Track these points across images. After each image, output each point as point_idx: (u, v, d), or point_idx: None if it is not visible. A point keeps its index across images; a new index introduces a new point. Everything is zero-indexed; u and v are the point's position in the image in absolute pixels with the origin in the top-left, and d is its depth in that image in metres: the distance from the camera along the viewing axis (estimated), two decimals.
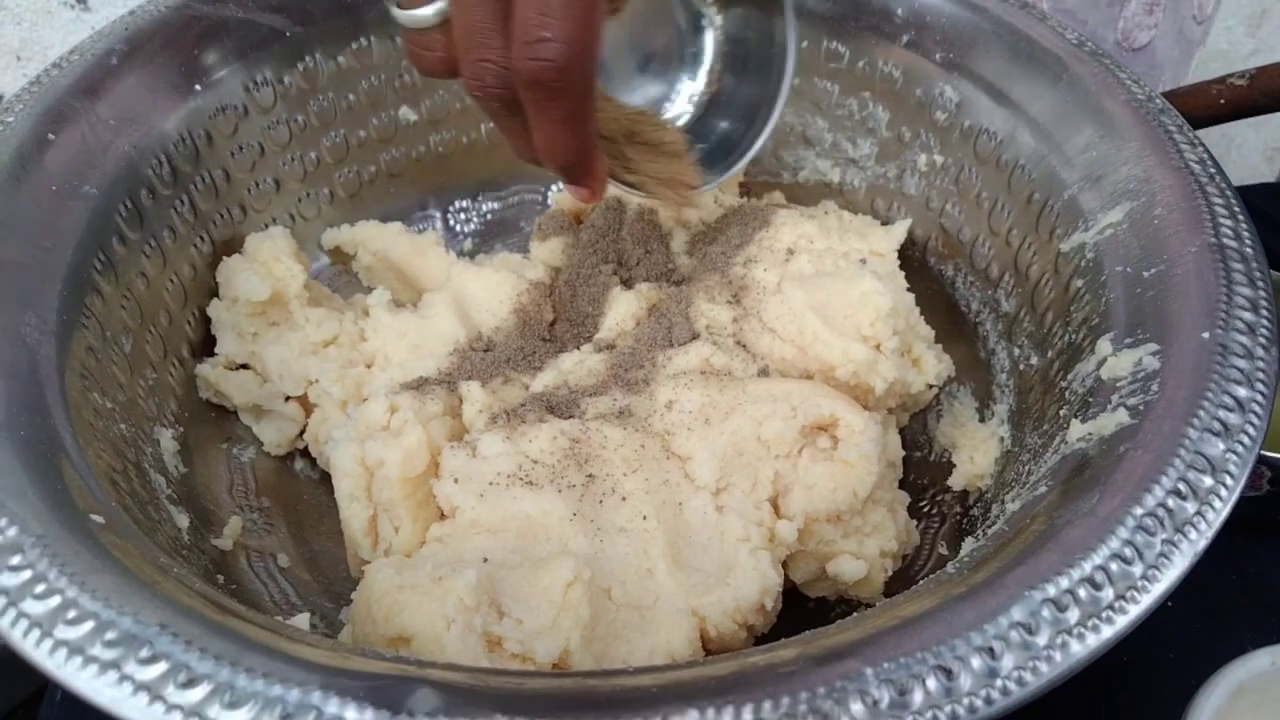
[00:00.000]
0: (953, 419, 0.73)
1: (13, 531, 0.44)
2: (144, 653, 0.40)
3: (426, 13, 0.50)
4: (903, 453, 0.70)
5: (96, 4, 1.31)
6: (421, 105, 0.84)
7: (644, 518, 0.59)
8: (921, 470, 0.72)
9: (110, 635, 0.40)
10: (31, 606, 0.41)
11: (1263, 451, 0.69)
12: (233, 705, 0.38)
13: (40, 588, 0.42)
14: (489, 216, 0.89)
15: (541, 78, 0.47)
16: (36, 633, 0.41)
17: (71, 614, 0.41)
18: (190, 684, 0.39)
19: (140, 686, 0.39)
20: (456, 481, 0.60)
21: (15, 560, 0.43)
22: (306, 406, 0.72)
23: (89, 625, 0.40)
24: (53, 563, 0.43)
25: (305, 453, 0.73)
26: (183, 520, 0.61)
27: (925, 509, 0.69)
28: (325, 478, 0.72)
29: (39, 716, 0.66)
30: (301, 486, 0.72)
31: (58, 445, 0.51)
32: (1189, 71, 1.06)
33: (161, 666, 0.39)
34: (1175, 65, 1.02)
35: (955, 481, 0.68)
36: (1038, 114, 0.70)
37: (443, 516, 0.61)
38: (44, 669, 0.40)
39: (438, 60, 0.51)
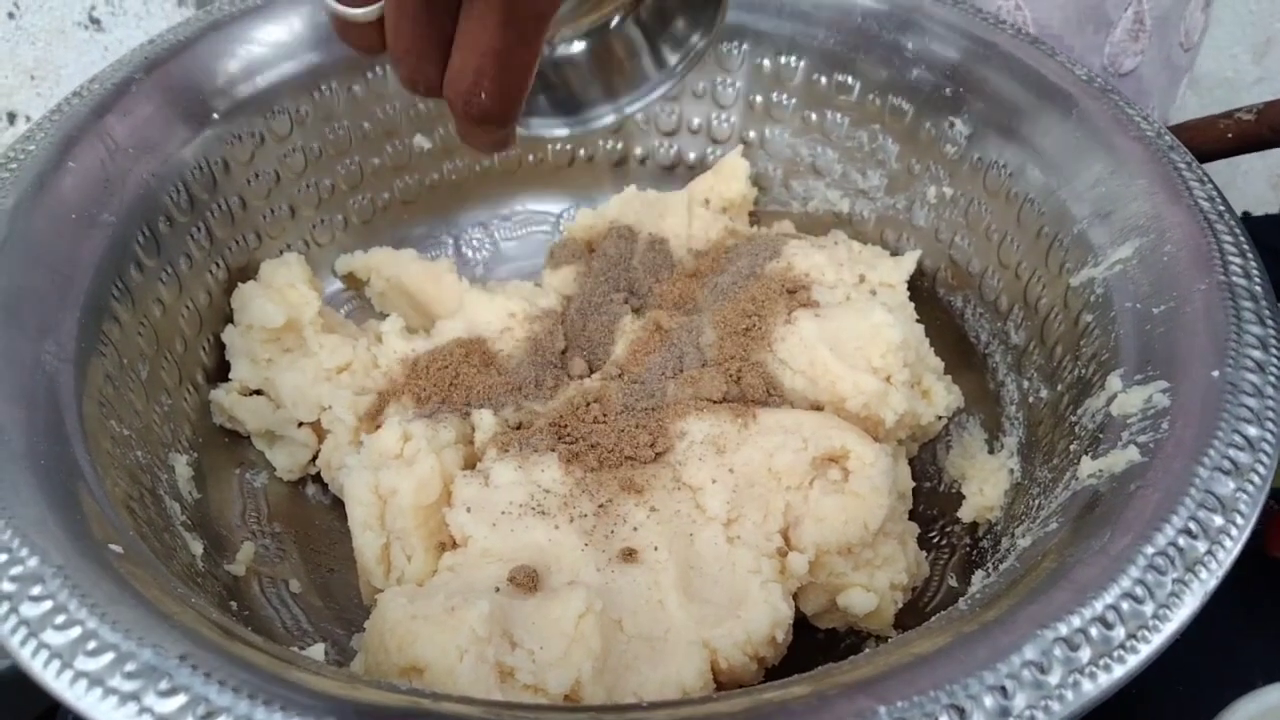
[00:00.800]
0: (962, 450, 0.73)
1: (34, 562, 0.44)
2: (164, 685, 0.40)
3: (360, 12, 0.49)
4: (912, 484, 0.70)
5: (110, 24, 1.32)
6: (435, 134, 0.85)
7: (655, 548, 0.59)
8: (931, 501, 0.72)
9: (130, 667, 0.40)
10: (52, 637, 0.42)
11: (1273, 487, 0.69)
12: None
13: (61, 618, 0.42)
14: (501, 244, 0.90)
15: (472, 115, 0.48)
16: (57, 664, 0.41)
17: (92, 645, 0.41)
18: (209, 716, 0.39)
19: (160, 718, 0.39)
20: (469, 510, 0.61)
21: (36, 590, 0.43)
22: (319, 432, 0.72)
23: (109, 657, 0.41)
24: (73, 593, 0.43)
25: (317, 478, 0.74)
26: (197, 547, 0.61)
27: (934, 540, 0.69)
28: (337, 503, 0.72)
29: None
30: (313, 512, 0.73)
31: (76, 474, 0.51)
32: (1176, 98, 1.07)
33: (181, 699, 0.40)
34: (1162, 92, 1.03)
35: (965, 513, 0.68)
36: (1047, 149, 0.71)
37: (455, 545, 0.62)
38: (64, 700, 0.40)
39: (365, 46, 0.51)
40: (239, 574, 0.64)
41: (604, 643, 0.54)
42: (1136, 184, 0.64)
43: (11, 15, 1.27)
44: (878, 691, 0.41)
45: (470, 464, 0.66)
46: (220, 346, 0.73)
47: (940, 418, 0.73)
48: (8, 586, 0.43)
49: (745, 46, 0.84)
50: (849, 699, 0.41)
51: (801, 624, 0.64)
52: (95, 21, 1.30)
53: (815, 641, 0.65)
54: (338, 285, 0.84)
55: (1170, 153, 0.65)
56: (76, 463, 0.52)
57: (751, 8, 0.83)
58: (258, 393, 0.73)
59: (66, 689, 0.40)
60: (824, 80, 0.82)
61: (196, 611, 0.46)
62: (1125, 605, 0.44)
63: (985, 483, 0.68)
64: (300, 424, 0.72)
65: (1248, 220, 1.09)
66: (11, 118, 1.35)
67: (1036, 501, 0.60)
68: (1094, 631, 0.43)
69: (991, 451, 0.71)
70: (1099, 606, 0.43)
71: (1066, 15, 0.93)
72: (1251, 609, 0.73)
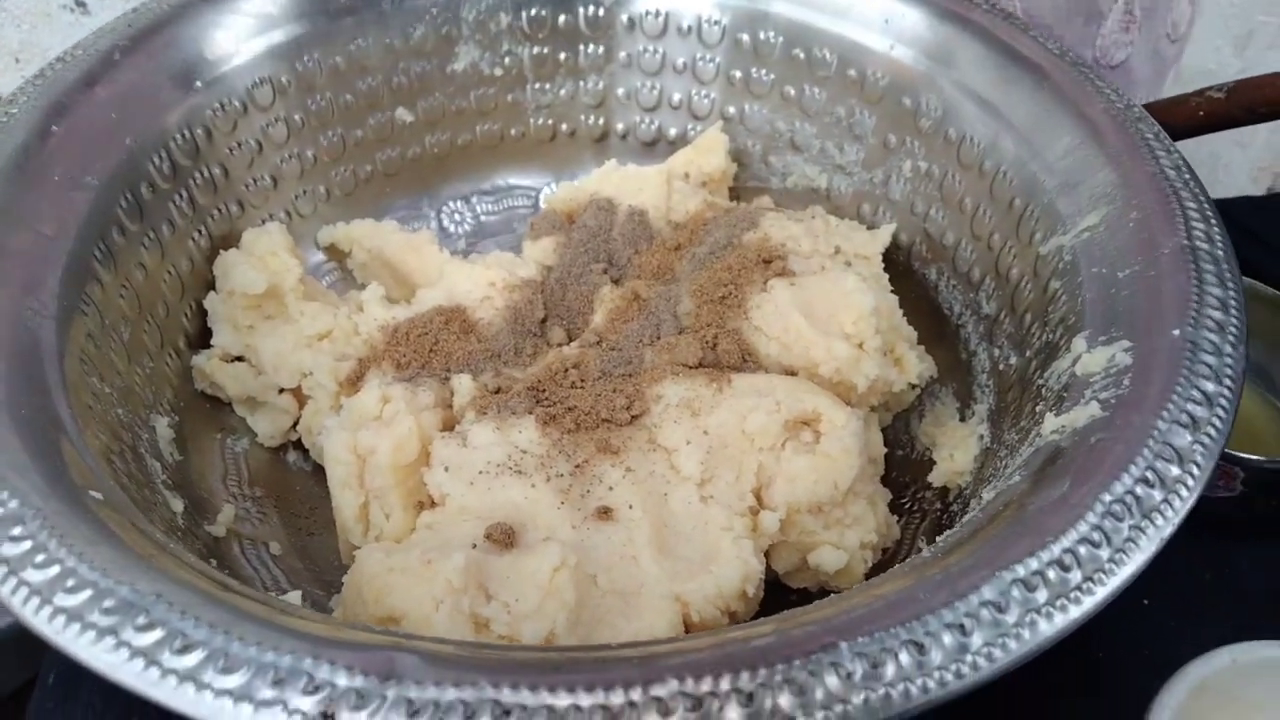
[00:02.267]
0: (934, 418, 0.74)
1: (14, 504, 0.45)
2: (140, 620, 0.41)
3: None
4: (884, 450, 0.71)
5: (96, 7, 1.32)
6: (418, 106, 0.86)
7: (630, 507, 0.60)
8: (903, 468, 0.74)
9: (108, 603, 0.41)
10: (32, 575, 0.42)
11: (1236, 452, 0.71)
12: (226, 670, 0.39)
13: (40, 557, 0.43)
14: (482, 217, 0.91)
15: None
16: (36, 600, 0.42)
17: (70, 582, 0.42)
18: (185, 650, 0.40)
19: (137, 652, 0.40)
20: (447, 470, 0.62)
21: (16, 531, 0.44)
22: (300, 399, 0.73)
23: (87, 593, 0.42)
24: (52, 534, 0.44)
25: (298, 444, 0.74)
26: (177, 505, 0.62)
27: (906, 505, 0.71)
28: (317, 469, 0.73)
29: (31, 699, 0.67)
30: (294, 478, 0.73)
31: (57, 424, 0.52)
32: (1163, 89, 1.08)
33: (158, 633, 0.40)
34: (1150, 83, 1.05)
35: (936, 479, 0.70)
36: (1019, 121, 0.72)
37: (433, 504, 0.62)
38: (43, 635, 0.41)
39: None
40: (219, 535, 0.65)
41: (578, 596, 0.55)
42: (1104, 153, 0.66)
43: None
44: (840, 628, 0.42)
45: (449, 427, 0.67)
46: (202, 313, 0.74)
47: (913, 386, 0.74)
48: None
49: (725, 21, 0.85)
50: (812, 636, 0.42)
51: (774, 585, 0.65)
52: (81, 4, 1.30)
53: (788, 603, 0.65)
54: (320, 256, 0.85)
55: (1138, 123, 0.66)
56: (57, 414, 0.53)
57: None
58: (239, 359, 0.74)
59: (45, 624, 0.41)
60: (802, 55, 0.83)
61: (173, 555, 0.46)
62: (1082, 550, 0.45)
63: (956, 449, 0.70)
64: (281, 390, 0.73)
65: (1223, 203, 1.11)
66: None
67: (1004, 463, 0.61)
68: (1051, 574, 0.44)
69: (963, 419, 0.72)
70: (1056, 550, 0.45)
71: (1057, 5, 0.94)
72: (1218, 574, 0.75)
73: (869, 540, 0.63)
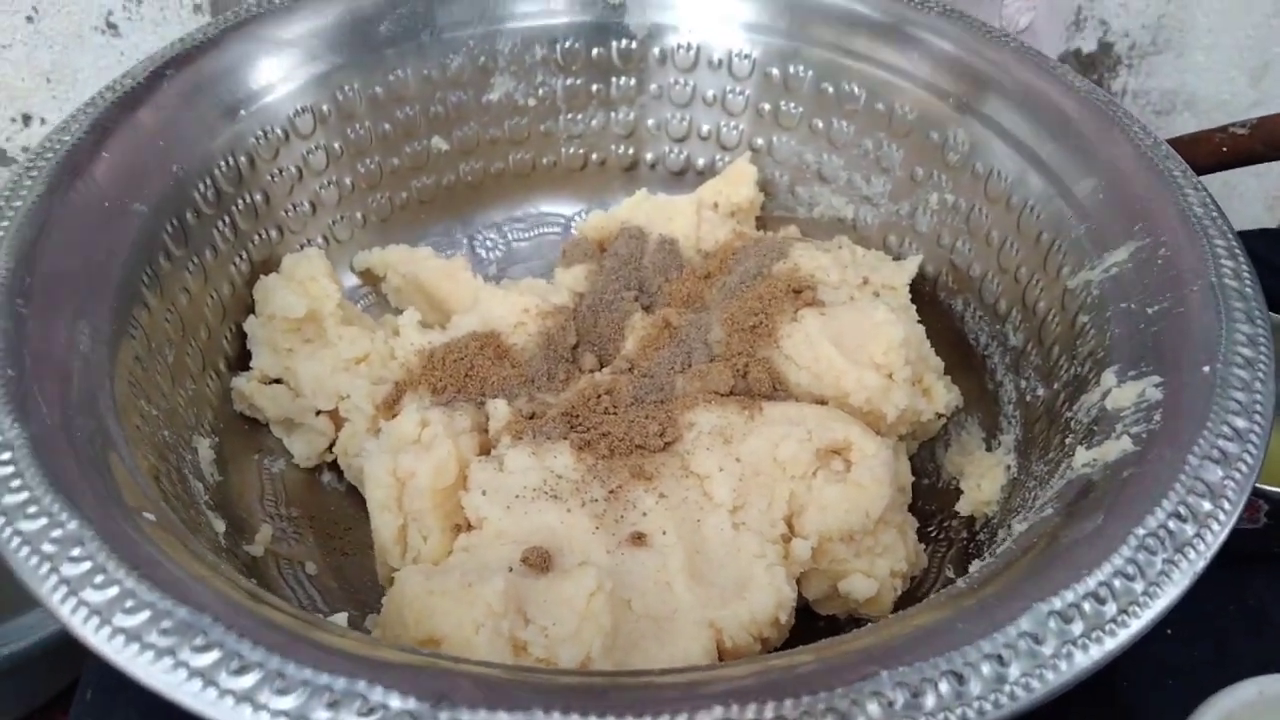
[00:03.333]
0: (960, 448, 0.75)
1: (73, 525, 0.46)
2: (198, 641, 0.42)
3: None
4: (912, 479, 0.72)
5: (127, 29, 1.34)
6: (453, 136, 0.88)
7: (664, 532, 0.61)
8: (930, 497, 0.74)
9: (166, 624, 0.42)
10: (92, 595, 0.43)
11: (1260, 485, 0.71)
12: (282, 691, 0.40)
13: (100, 578, 0.44)
14: (514, 244, 0.92)
15: None
16: (96, 620, 0.43)
17: (130, 603, 0.43)
18: (242, 671, 0.41)
19: (195, 672, 0.41)
20: (484, 494, 0.63)
21: (76, 552, 0.45)
22: (337, 421, 0.74)
23: (146, 614, 0.43)
24: (110, 555, 0.45)
25: (333, 466, 0.76)
26: (219, 525, 0.63)
27: (933, 534, 0.71)
28: (352, 490, 0.74)
29: (70, 713, 0.68)
30: (329, 498, 0.75)
31: (110, 446, 0.53)
32: (1062, 41, 1.11)
33: (215, 654, 0.41)
34: (1053, 38, 1.09)
35: (963, 508, 0.71)
36: (1047, 157, 0.73)
37: (470, 527, 0.64)
38: (103, 654, 0.42)
39: None
40: (258, 554, 0.66)
41: (614, 620, 0.56)
42: (1133, 191, 0.67)
43: (30, 19, 1.30)
44: (881, 658, 0.43)
45: (485, 451, 0.68)
46: (242, 336, 0.75)
47: (940, 415, 0.75)
48: (49, 548, 0.45)
49: (755, 55, 0.87)
50: (854, 665, 0.43)
51: (804, 613, 0.66)
52: (112, 26, 1.33)
53: (816, 630, 0.67)
54: (355, 281, 0.86)
55: (1165, 161, 0.68)
56: (110, 435, 0.54)
57: (763, 18, 0.86)
58: (277, 381, 0.75)
59: (105, 644, 0.42)
60: (831, 89, 0.85)
61: (225, 577, 0.48)
62: (1117, 583, 0.46)
63: (983, 479, 0.70)
64: (318, 412, 0.74)
65: (1241, 235, 1.12)
66: (27, 119, 1.38)
67: (1033, 494, 0.62)
68: (1087, 606, 0.45)
69: (989, 449, 0.73)
70: (1092, 583, 0.46)
71: None
72: (1242, 605, 0.75)
73: (899, 569, 0.64)
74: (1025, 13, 1.03)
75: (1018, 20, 1.02)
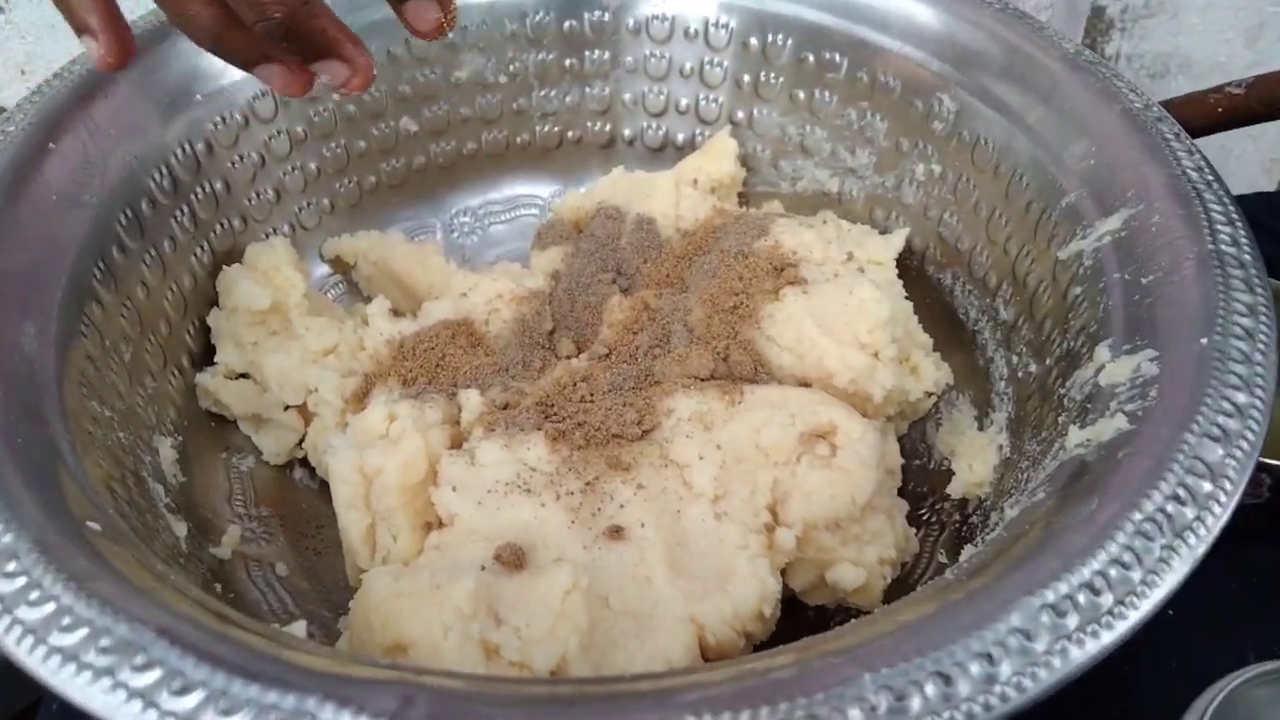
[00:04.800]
0: (952, 427, 0.73)
1: (8, 538, 0.44)
2: (139, 659, 0.39)
3: None
4: (901, 460, 0.70)
5: None
6: (422, 116, 0.85)
7: (642, 525, 0.59)
8: (921, 478, 0.72)
9: (105, 642, 0.40)
10: (26, 613, 0.41)
11: (1263, 459, 0.69)
12: (227, 712, 0.38)
13: (35, 594, 0.42)
14: (489, 228, 0.89)
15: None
16: (30, 639, 0.40)
17: (66, 620, 0.41)
18: (184, 691, 0.39)
19: (134, 693, 0.39)
20: (455, 489, 0.60)
21: (10, 566, 0.42)
22: (306, 416, 0.72)
23: (83, 632, 0.40)
24: (48, 569, 0.43)
25: (304, 462, 0.73)
26: (180, 529, 0.61)
27: (924, 517, 0.69)
28: (324, 487, 0.72)
29: None
30: (300, 496, 0.72)
31: (55, 453, 0.51)
32: (1078, 36, 1.10)
33: (156, 673, 0.39)
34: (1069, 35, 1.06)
35: (954, 489, 0.68)
36: (1035, 123, 0.70)
37: (441, 525, 0.61)
38: (38, 676, 0.40)
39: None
40: (225, 557, 0.64)
41: (590, 619, 0.53)
42: (1125, 156, 0.64)
43: (1, 10, 1.27)
44: (863, 659, 0.40)
45: (457, 444, 0.65)
46: (205, 330, 0.73)
47: (929, 394, 0.72)
48: None
49: (733, 25, 0.84)
50: (834, 668, 0.40)
51: (791, 603, 0.63)
52: None
53: (805, 620, 0.65)
54: (325, 269, 0.84)
55: (1158, 124, 0.65)
56: (55, 443, 0.51)
57: None
58: (243, 376, 0.73)
59: (40, 665, 0.40)
60: (811, 59, 0.82)
61: (175, 589, 0.45)
62: (1113, 572, 0.43)
63: (975, 459, 0.68)
64: (287, 407, 0.72)
65: (1239, 200, 1.09)
66: (2, 112, 1.35)
67: (1025, 475, 0.60)
68: (1081, 598, 0.42)
69: (981, 428, 0.71)
70: (1086, 573, 0.43)
71: None
72: (1245, 583, 0.73)
73: (888, 556, 0.62)
74: (1041, 11, 0.99)
75: (1034, 16, 0.99)
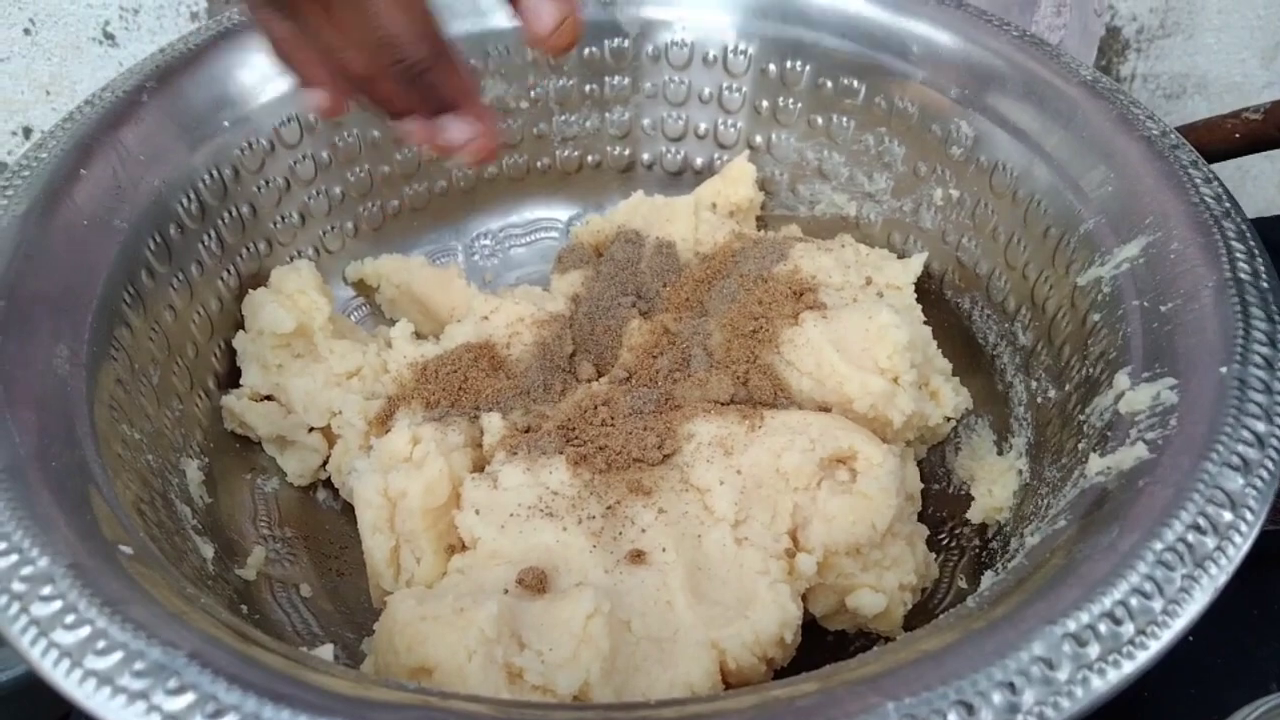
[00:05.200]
0: (971, 452, 0.73)
1: (44, 562, 0.44)
2: (172, 683, 0.40)
3: None
4: (921, 485, 0.70)
5: (124, 40, 1.33)
6: None
7: (663, 549, 0.59)
8: (940, 503, 0.72)
9: (139, 665, 0.41)
10: (62, 636, 0.42)
11: None
12: None
13: (71, 618, 0.42)
14: (510, 251, 0.90)
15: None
16: (66, 663, 0.41)
17: (101, 644, 0.41)
18: (217, 715, 0.39)
19: (168, 717, 0.39)
20: (478, 513, 0.61)
21: (47, 590, 0.43)
22: (330, 437, 0.72)
23: (118, 655, 0.41)
24: (83, 593, 0.43)
25: (328, 483, 0.74)
26: (208, 550, 0.61)
27: (944, 542, 0.69)
28: (347, 508, 0.72)
29: None
30: (324, 517, 0.73)
31: (87, 476, 0.52)
32: (1091, 60, 1.11)
33: (189, 697, 0.40)
34: (1083, 58, 1.05)
35: (974, 515, 0.68)
36: (1053, 149, 0.71)
37: (464, 547, 0.62)
38: (74, 699, 0.40)
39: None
40: (250, 578, 0.64)
41: (612, 644, 0.54)
42: (1143, 183, 0.64)
43: (27, 31, 1.29)
44: (886, 688, 0.41)
45: (479, 467, 0.66)
46: (231, 352, 0.74)
47: (948, 419, 0.73)
48: (18, 586, 0.43)
49: (751, 52, 0.85)
50: (857, 696, 0.41)
51: (811, 627, 0.64)
52: (110, 37, 1.32)
53: (824, 645, 0.65)
54: (348, 292, 0.85)
55: (1175, 151, 0.65)
56: (87, 465, 0.52)
57: (758, 13, 0.84)
58: (268, 398, 0.73)
59: (75, 688, 0.41)
60: (829, 84, 0.83)
61: (206, 612, 0.46)
62: (1134, 601, 0.44)
63: (994, 484, 0.68)
64: (311, 429, 0.72)
65: (1257, 222, 1.09)
66: (27, 132, 1.37)
67: (1045, 501, 0.60)
68: (1103, 628, 0.43)
69: (1000, 453, 0.71)
70: (1108, 603, 0.43)
71: (994, 0, 0.94)
72: (1266, 610, 0.73)
73: (908, 581, 0.62)
74: (1055, 31, 1.00)
75: (1048, 39, 1.00)
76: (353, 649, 0.63)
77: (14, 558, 0.44)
